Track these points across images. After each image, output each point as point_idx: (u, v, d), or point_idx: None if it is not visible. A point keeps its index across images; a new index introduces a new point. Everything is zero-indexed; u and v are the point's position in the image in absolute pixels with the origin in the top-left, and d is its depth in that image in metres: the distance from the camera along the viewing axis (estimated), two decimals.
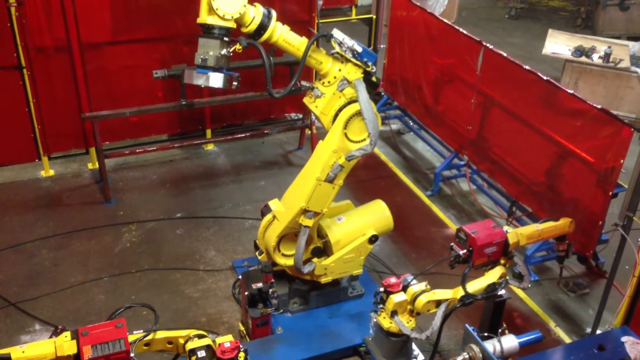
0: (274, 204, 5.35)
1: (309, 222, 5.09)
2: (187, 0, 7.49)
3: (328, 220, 5.49)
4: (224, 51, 4.51)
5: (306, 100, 5.06)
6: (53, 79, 7.33)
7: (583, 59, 9.44)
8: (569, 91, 5.91)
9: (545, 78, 6.07)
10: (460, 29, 7.17)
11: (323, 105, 4.87)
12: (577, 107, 5.78)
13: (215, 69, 4.53)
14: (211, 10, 4.41)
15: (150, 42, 7.67)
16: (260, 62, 5.40)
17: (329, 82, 4.85)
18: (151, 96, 7.74)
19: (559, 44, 9.94)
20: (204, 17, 4.46)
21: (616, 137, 5.38)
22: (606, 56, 9.29)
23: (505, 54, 6.56)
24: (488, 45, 6.73)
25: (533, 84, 6.22)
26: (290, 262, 5.34)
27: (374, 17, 8.46)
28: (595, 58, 9.40)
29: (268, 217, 5.37)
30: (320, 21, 8.30)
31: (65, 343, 3.72)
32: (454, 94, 7.56)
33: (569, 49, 9.65)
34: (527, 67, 6.26)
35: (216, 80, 4.56)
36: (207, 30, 4.48)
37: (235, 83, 4.66)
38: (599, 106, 5.58)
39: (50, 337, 3.94)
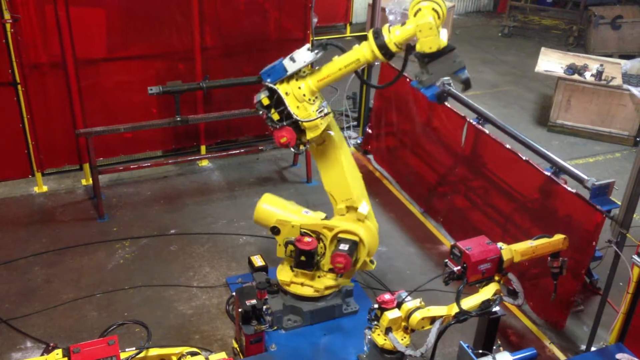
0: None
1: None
2: (182, 17, 7.54)
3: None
4: None
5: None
6: (47, 95, 7.33)
7: (575, 77, 9.52)
8: (547, 173, 5.85)
9: (524, 158, 6.04)
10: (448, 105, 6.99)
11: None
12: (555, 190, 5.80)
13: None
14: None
15: (145, 58, 7.70)
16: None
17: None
18: (146, 112, 7.75)
19: (551, 62, 10.03)
20: (439, 41, 4.50)
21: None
22: (598, 74, 9.37)
23: (487, 131, 6.52)
24: (471, 120, 6.69)
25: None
26: None
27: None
28: (588, 76, 9.48)
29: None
30: (315, 38, 8.31)
31: None
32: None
33: (562, 67, 9.73)
34: (508, 147, 6.24)
35: None
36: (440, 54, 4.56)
37: None
38: (574, 191, 5.59)
39: (42, 354, 3.92)
